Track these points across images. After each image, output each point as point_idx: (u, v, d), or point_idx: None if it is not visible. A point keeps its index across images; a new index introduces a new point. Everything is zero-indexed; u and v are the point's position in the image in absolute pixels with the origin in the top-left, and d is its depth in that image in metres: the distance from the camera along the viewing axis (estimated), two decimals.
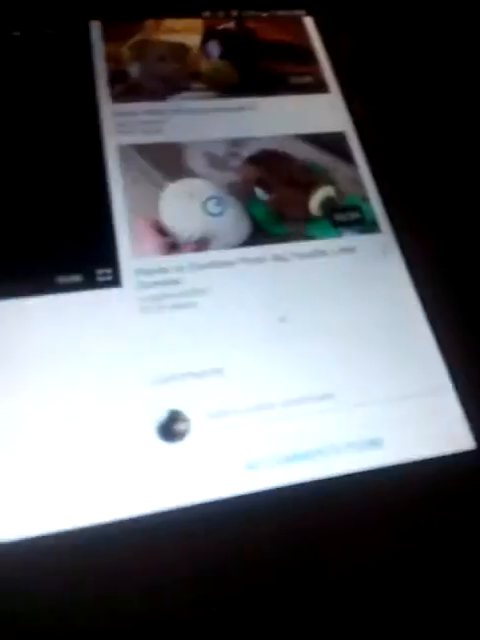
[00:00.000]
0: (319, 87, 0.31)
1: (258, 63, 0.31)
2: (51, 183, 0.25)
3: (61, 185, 0.26)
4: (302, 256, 0.26)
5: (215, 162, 0.27)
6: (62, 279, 0.24)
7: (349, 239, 0.26)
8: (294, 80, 0.31)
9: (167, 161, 0.27)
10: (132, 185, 0.26)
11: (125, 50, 0.30)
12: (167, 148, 0.27)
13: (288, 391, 0.23)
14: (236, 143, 0.28)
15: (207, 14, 0.32)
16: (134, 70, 0.30)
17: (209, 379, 0.22)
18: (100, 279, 0.24)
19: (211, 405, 0.22)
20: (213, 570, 0.20)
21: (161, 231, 0.25)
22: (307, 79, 0.31)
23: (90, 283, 0.24)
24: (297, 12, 0.33)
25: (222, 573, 0.20)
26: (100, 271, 0.24)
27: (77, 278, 0.24)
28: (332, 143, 0.29)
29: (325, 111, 0.30)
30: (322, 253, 0.26)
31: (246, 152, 0.28)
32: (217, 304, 0.24)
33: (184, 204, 0.26)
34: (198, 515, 0.20)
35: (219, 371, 0.23)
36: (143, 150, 0.27)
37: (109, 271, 0.24)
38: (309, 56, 0.32)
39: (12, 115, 0.27)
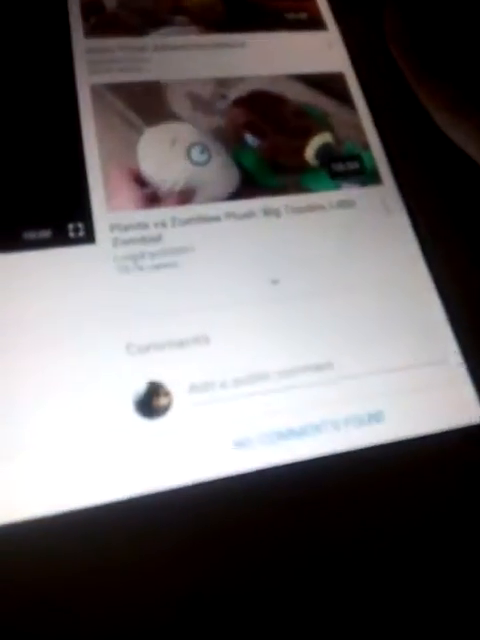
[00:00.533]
0: (315, 24, 0.28)
1: None
2: (16, 126, 0.22)
3: (27, 129, 0.22)
4: (296, 210, 0.23)
5: (200, 104, 0.24)
6: (29, 234, 0.21)
7: (348, 192, 0.24)
8: (287, 16, 0.28)
9: (146, 103, 0.24)
10: (107, 129, 0.23)
11: None
12: (146, 88, 0.24)
13: (281, 360, 0.20)
14: (223, 83, 0.25)
15: None
16: (110, 2, 0.26)
17: (193, 348, 0.20)
18: (71, 235, 0.21)
19: (195, 376, 0.19)
20: (201, 555, 0.18)
21: (139, 181, 0.22)
22: (302, 15, 0.28)
23: (60, 239, 0.21)
24: None
25: (211, 558, 0.18)
26: (71, 225, 0.21)
27: (46, 234, 0.21)
28: (329, 84, 0.26)
29: (322, 50, 0.27)
30: (319, 207, 0.23)
31: (235, 93, 0.25)
32: (202, 264, 0.21)
33: (165, 151, 0.23)
34: (182, 498, 0.18)
35: (204, 339, 0.20)
36: (119, 90, 0.24)
37: (81, 225, 0.21)
38: None
39: None
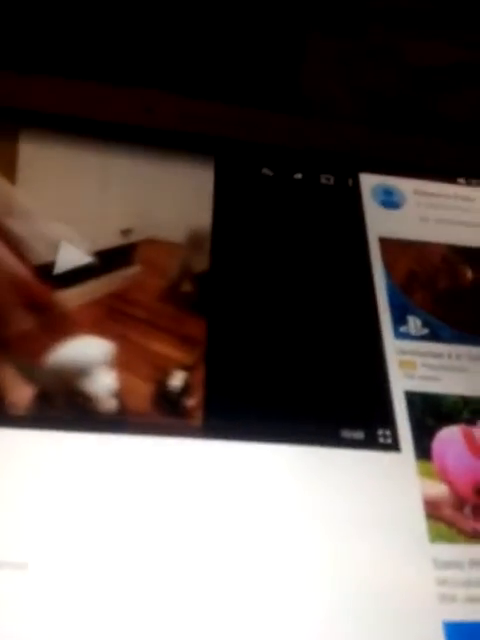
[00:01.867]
0: None
1: None
2: (332, 343, 0.26)
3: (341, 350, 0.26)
4: None
5: None
6: (346, 434, 0.24)
7: None
8: None
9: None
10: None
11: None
12: None
13: None
14: None
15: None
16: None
17: None
18: (380, 440, 0.24)
19: None
20: None
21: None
22: None
23: (371, 443, 0.23)
24: None
25: None
26: (380, 432, 0.24)
27: (360, 435, 0.24)
28: None
29: None
30: None
31: None
32: None
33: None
34: None
35: None
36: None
37: (389, 433, 0.24)
38: None
39: (291, 263, 0.28)
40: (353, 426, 0.24)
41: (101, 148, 0.29)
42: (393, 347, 0.26)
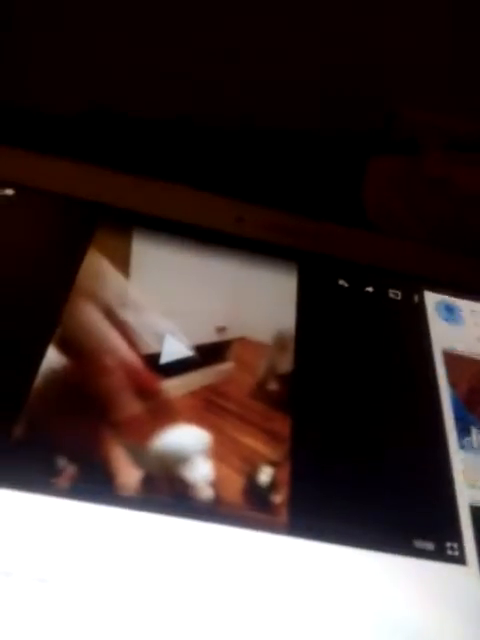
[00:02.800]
0: None
1: None
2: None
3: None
4: None
5: None
6: (418, 544, 0.24)
7: None
8: None
9: None
10: None
11: None
12: None
13: None
14: None
15: None
16: None
17: None
18: (448, 552, 0.24)
19: None
20: None
21: None
22: None
23: (440, 554, 0.24)
24: None
25: None
26: (449, 544, 0.24)
27: (430, 546, 0.24)
28: None
29: None
30: None
31: None
32: None
33: None
34: None
35: None
36: None
37: (456, 546, 0.24)
38: None
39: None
40: (424, 537, 0.24)
41: (200, 251, 0.31)
42: (457, 458, 0.27)
